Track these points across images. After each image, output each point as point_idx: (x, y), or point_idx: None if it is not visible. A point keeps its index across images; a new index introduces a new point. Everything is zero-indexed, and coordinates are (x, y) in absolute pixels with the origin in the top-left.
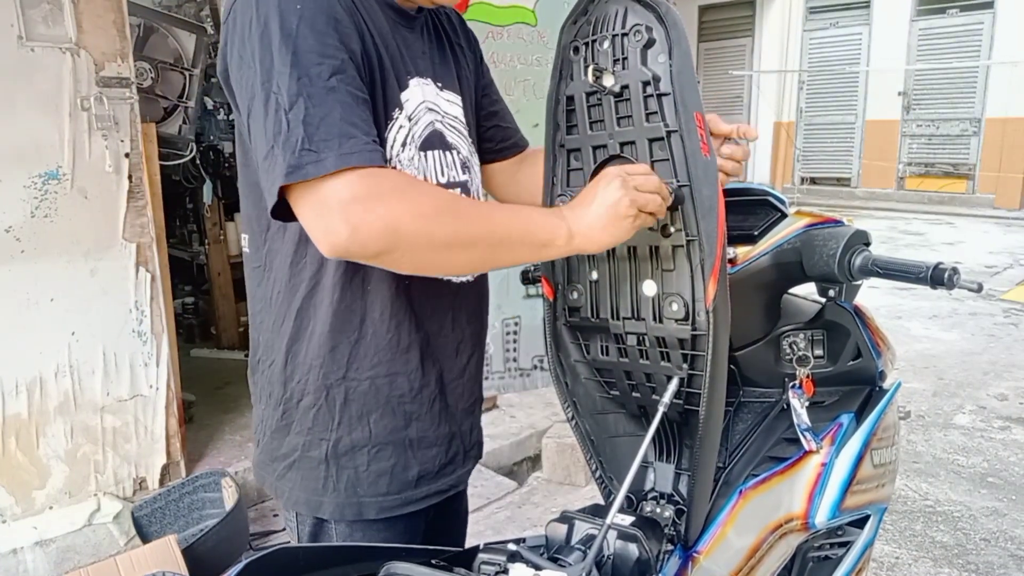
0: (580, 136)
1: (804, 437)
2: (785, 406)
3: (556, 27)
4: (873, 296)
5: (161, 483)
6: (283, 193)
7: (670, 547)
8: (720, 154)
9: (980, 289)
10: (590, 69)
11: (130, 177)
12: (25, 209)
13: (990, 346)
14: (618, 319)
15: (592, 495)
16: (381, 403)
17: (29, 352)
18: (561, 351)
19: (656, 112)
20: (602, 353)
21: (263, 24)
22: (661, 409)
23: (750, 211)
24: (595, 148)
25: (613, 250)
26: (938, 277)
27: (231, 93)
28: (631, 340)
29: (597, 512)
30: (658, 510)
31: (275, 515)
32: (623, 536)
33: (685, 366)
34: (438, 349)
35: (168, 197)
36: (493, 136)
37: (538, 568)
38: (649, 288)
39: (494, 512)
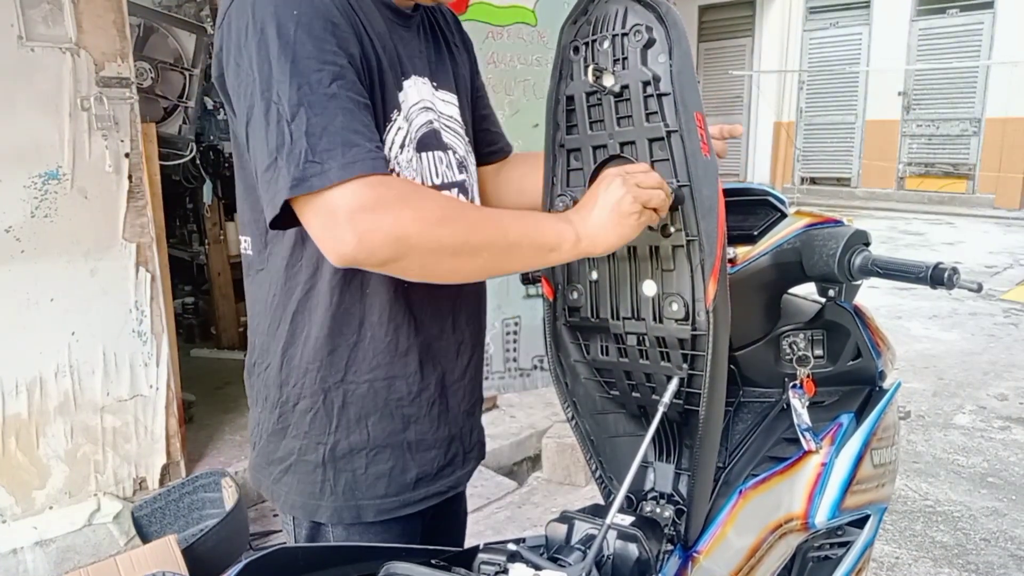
0: (580, 136)
1: (804, 437)
2: (785, 406)
3: (556, 27)
4: (873, 296)
5: (161, 483)
6: (286, 204)
7: (670, 547)
8: None
9: (980, 289)
10: (590, 69)
11: (130, 177)
12: (25, 209)
13: (990, 346)
14: (618, 319)
15: (592, 495)
16: (379, 406)
17: (29, 352)
18: (561, 351)
19: (656, 112)
20: (602, 353)
21: (260, 31)
22: (661, 409)
23: (750, 211)
24: (595, 148)
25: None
26: (938, 277)
27: (227, 98)
28: (631, 340)
29: (597, 512)
30: (658, 510)
31: (275, 515)
32: (623, 536)
33: (685, 366)
34: (438, 352)
35: (168, 197)
36: (481, 140)
37: (538, 568)
38: (649, 288)
39: (494, 512)
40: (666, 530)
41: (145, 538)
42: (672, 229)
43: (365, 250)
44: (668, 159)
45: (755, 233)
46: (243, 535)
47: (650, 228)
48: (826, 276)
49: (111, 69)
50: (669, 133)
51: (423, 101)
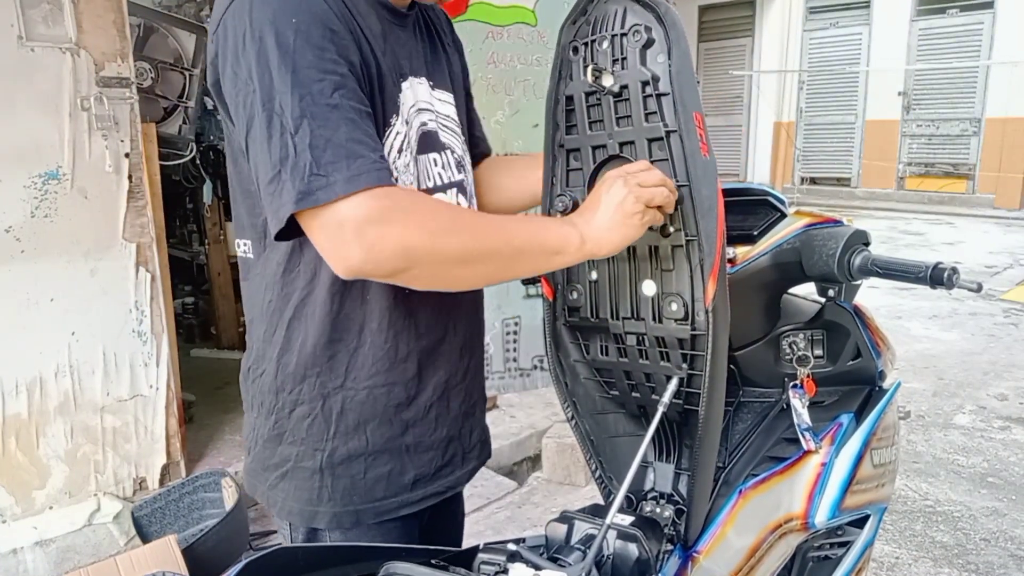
0: (579, 136)
1: (804, 437)
2: (785, 406)
3: (556, 27)
4: (873, 296)
5: (161, 483)
6: (291, 217)
7: (670, 547)
8: None
9: (980, 289)
10: (589, 69)
11: (130, 177)
12: (25, 209)
13: (990, 346)
14: (618, 319)
15: (592, 495)
16: (378, 412)
17: (29, 352)
18: (561, 351)
19: (655, 112)
20: (602, 353)
21: (258, 39)
22: (661, 409)
23: (750, 211)
24: (594, 148)
25: None
26: (937, 277)
27: (223, 105)
28: (631, 340)
29: (597, 512)
30: (658, 510)
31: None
32: (623, 536)
33: (685, 366)
34: (439, 356)
35: (168, 197)
36: (467, 141)
37: (538, 568)
38: (648, 288)
39: (494, 512)
40: (666, 530)
41: (145, 538)
42: (671, 229)
43: (373, 262)
44: (667, 159)
45: (755, 233)
46: (243, 535)
47: (650, 228)
48: (826, 276)
49: (111, 69)
50: (668, 133)
51: (420, 102)
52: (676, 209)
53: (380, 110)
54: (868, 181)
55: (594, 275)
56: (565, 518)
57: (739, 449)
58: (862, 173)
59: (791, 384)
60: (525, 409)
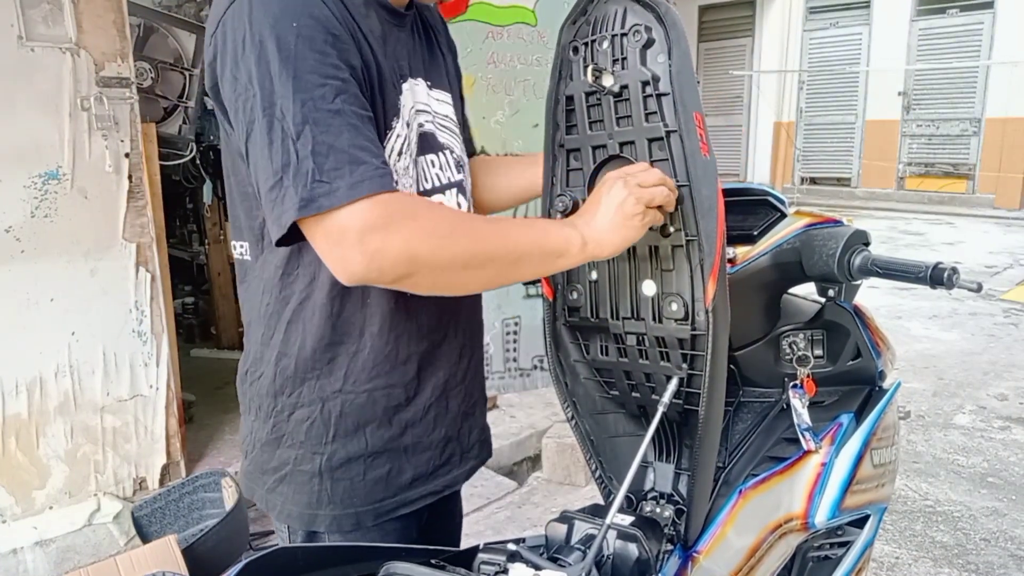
0: (580, 136)
1: (804, 437)
2: (785, 406)
3: (556, 27)
4: (873, 296)
5: (161, 483)
6: (293, 223)
7: (670, 547)
8: None
9: (980, 289)
10: (589, 69)
11: (130, 177)
12: (25, 209)
13: (990, 346)
14: (618, 319)
15: (592, 495)
16: (378, 415)
17: (29, 352)
18: (561, 351)
19: (655, 112)
20: (602, 353)
21: (258, 44)
22: (661, 409)
23: (750, 211)
24: (595, 148)
25: None
26: (937, 277)
27: (222, 109)
28: (631, 340)
29: (597, 512)
30: (658, 510)
31: None
32: (623, 536)
33: (685, 366)
34: (439, 357)
35: (168, 197)
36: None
37: (538, 568)
38: (648, 288)
39: (494, 512)
40: (666, 530)
41: (145, 538)
42: (671, 229)
43: (376, 269)
44: (667, 159)
45: (755, 233)
46: (243, 535)
47: (650, 228)
48: (826, 276)
49: (111, 69)
50: (668, 133)
51: (419, 103)
52: (676, 209)
53: (381, 114)
54: (868, 181)
55: (594, 275)
56: (565, 518)
57: (739, 449)
58: (862, 173)
59: (791, 384)
60: (525, 409)
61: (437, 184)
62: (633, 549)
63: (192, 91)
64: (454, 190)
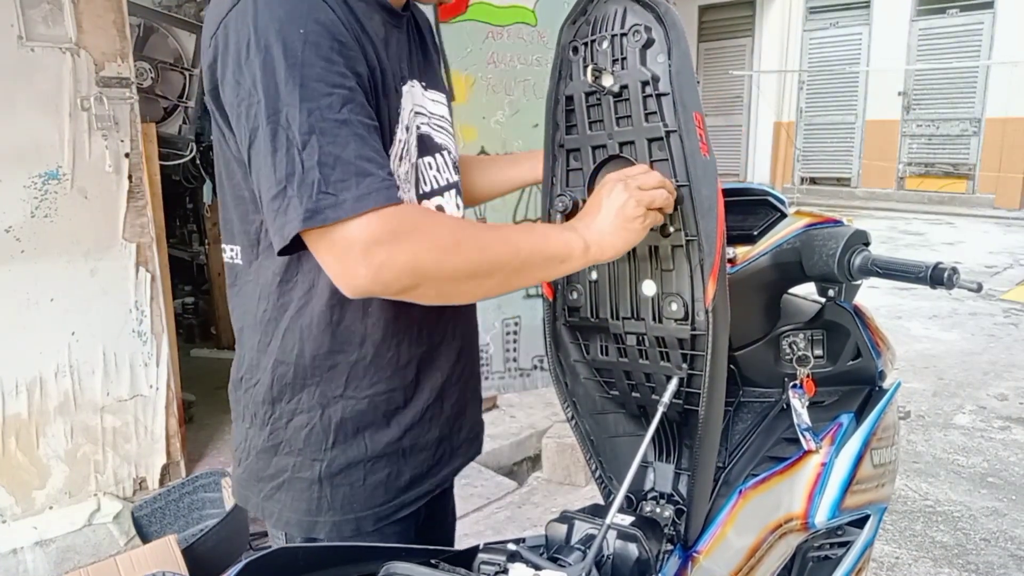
0: (579, 136)
1: (804, 437)
2: (785, 406)
3: (556, 27)
4: (873, 296)
5: (161, 483)
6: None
7: (670, 547)
8: None
9: (980, 289)
10: (589, 69)
11: (130, 177)
12: (25, 209)
13: (990, 346)
14: (617, 319)
15: (592, 495)
16: (378, 418)
17: (29, 352)
18: (561, 351)
19: (655, 112)
20: (602, 353)
21: (264, 49)
22: (661, 409)
23: (750, 211)
24: (594, 148)
25: None
26: (938, 277)
27: (221, 113)
28: (631, 340)
29: (597, 512)
30: (658, 510)
31: None
32: (623, 536)
33: (685, 366)
34: (437, 359)
35: (168, 197)
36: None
37: (538, 568)
38: (648, 288)
39: (494, 512)
40: (666, 530)
41: (145, 538)
42: (671, 229)
43: (381, 283)
44: (667, 159)
45: (755, 233)
46: (243, 535)
47: (650, 228)
48: (826, 276)
49: (111, 69)
50: (668, 133)
51: (416, 106)
52: (676, 209)
53: (387, 121)
54: (868, 181)
55: (594, 275)
56: (565, 518)
57: (739, 449)
58: (862, 173)
59: (791, 384)
60: (525, 409)
61: (436, 186)
62: (633, 549)
63: (192, 91)
64: (452, 191)
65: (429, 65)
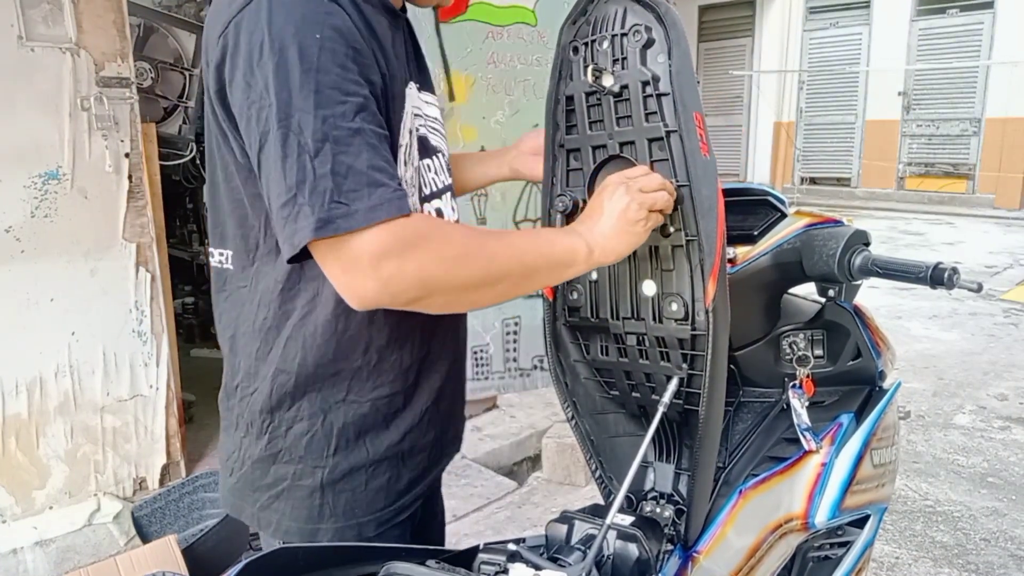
0: (580, 136)
1: (804, 437)
2: (785, 406)
3: (556, 27)
4: (873, 296)
5: (161, 483)
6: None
7: (670, 547)
8: None
9: (980, 289)
10: (589, 69)
11: (130, 177)
12: (25, 209)
13: (990, 346)
14: (618, 319)
15: (592, 495)
16: (379, 422)
17: (29, 352)
18: (561, 351)
19: (655, 112)
20: (602, 353)
21: (278, 52)
22: (661, 409)
23: (750, 211)
24: (595, 148)
25: None
26: (938, 277)
27: (227, 114)
28: (631, 340)
29: (597, 512)
30: (658, 510)
31: None
32: (623, 536)
33: (685, 366)
34: (437, 362)
35: (168, 197)
36: None
37: (538, 568)
38: (648, 288)
39: (494, 512)
40: (666, 530)
41: (145, 538)
42: (671, 229)
43: (389, 295)
44: (667, 159)
45: (755, 233)
46: (243, 535)
47: None
48: (826, 276)
49: (111, 69)
50: (668, 133)
51: (413, 108)
52: (676, 209)
53: (397, 129)
54: (868, 181)
55: (594, 275)
56: (565, 518)
57: (739, 449)
58: (862, 173)
59: (791, 384)
60: (525, 409)
61: (434, 189)
62: (633, 549)
63: (192, 91)
64: (448, 194)
65: (423, 67)
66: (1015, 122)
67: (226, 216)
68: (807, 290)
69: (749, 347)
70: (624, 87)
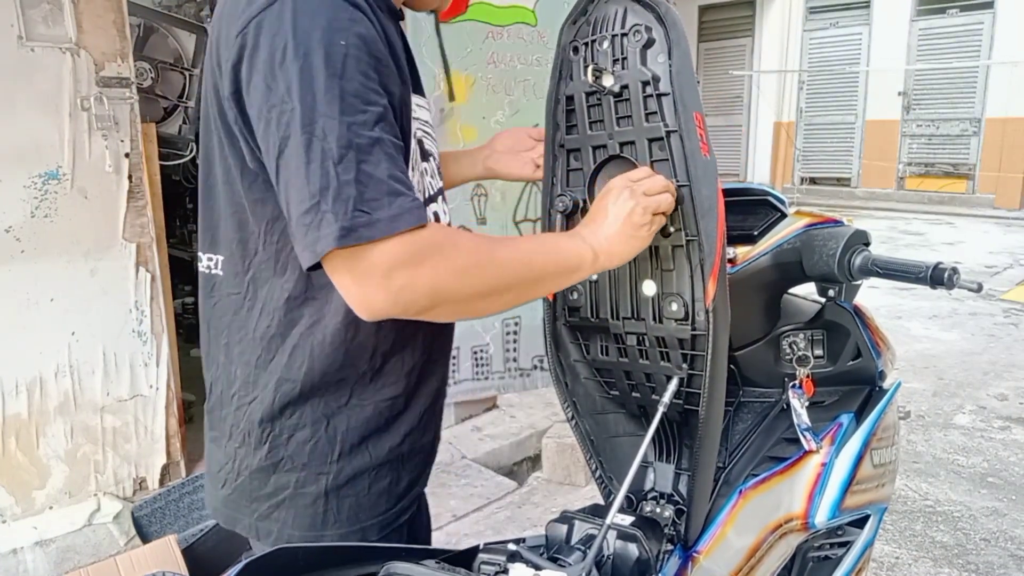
0: (580, 136)
1: (804, 437)
2: (785, 406)
3: (556, 27)
4: (873, 296)
5: (161, 483)
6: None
7: (670, 547)
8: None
9: (980, 289)
10: (590, 69)
11: (130, 177)
12: (25, 209)
13: (990, 346)
14: (618, 319)
15: (592, 495)
16: (381, 425)
17: (29, 352)
18: (561, 351)
19: (656, 112)
20: (602, 353)
21: (303, 56)
22: (661, 409)
23: (750, 211)
24: (595, 148)
25: None
26: (938, 277)
27: (242, 115)
28: (631, 340)
29: (597, 512)
30: (658, 510)
31: None
32: (623, 536)
33: (685, 366)
34: (436, 364)
35: (168, 197)
36: None
37: (538, 568)
38: (649, 288)
39: (494, 512)
40: (666, 530)
41: (145, 538)
42: (672, 229)
43: (400, 306)
44: (667, 159)
45: (755, 233)
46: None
47: None
48: (826, 276)
49: (111, 69)
50: (668, 133)
51: (413, 113)
52: (676, 209)
53: (411, 139)
54: (868, 181)
55: (594, 275)
56: (565, 518)
57: (739, 449)
58: (862, 173)
59: (791, 384)
60: (525, 409)
61: (431, 193)
62: (633, 549)
63: (192, 91)
64: (441, 197)
65: (414, 69)
66: (1015, 122)
67: (221, 220)
68: (807, 290)
69: (749, 347)
70: (624, 87)
